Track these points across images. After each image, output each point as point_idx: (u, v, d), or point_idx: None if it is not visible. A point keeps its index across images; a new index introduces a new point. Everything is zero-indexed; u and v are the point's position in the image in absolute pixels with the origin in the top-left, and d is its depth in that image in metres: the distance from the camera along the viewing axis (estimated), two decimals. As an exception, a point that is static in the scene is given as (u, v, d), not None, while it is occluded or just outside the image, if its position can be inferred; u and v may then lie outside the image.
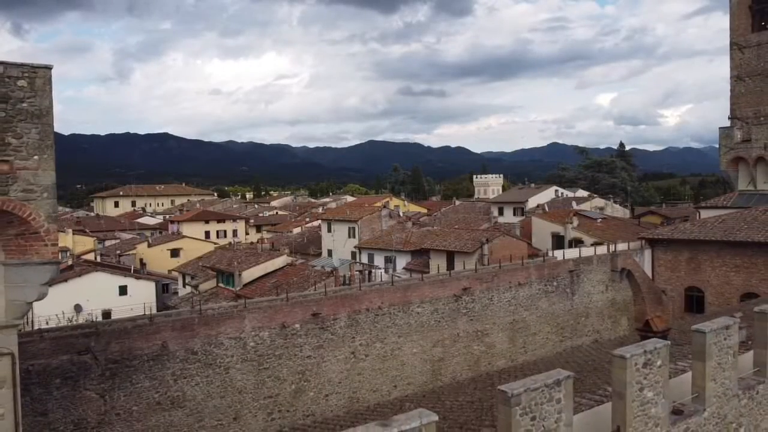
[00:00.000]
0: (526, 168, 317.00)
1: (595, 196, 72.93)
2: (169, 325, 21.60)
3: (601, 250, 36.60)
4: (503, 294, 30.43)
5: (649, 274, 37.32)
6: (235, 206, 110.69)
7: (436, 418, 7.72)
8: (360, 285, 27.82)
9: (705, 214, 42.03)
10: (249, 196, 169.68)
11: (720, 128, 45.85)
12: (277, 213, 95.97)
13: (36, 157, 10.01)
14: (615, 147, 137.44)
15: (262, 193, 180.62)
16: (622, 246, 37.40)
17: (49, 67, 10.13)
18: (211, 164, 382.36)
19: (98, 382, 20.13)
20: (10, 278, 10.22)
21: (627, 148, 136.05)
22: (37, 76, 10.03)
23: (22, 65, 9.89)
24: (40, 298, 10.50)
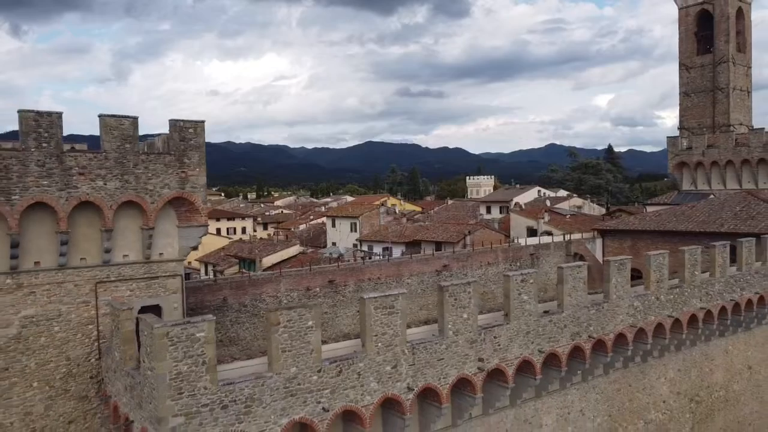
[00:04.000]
0: (524, 169, 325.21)
1: (574, 195, 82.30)
2: (228, 285, 30.88)
3: (560, 239, 45.99)
4: (475, 271, 39.68)
5: (600, 258, 46.68)
6: (241, 205, 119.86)
7: (405, 291, 17.03)
8: (364, 261, 37.14)
9: (651, 209, 51.43)
10: (251, 196, 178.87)
11: (668, 137, 55.27)
12: (282, 212, 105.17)
13: (197, 169, 19.33)
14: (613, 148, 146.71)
15: (264, 193, 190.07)
16: (577, 236, 46.78)
17: (203, 121, 19.44)
18: (209, 165, 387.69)
19: (181, 323, 29.36)
20: (181, 234, 19.53)
21: (625, 149, 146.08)
22: (198, 126, 19.35)
23: (191, 121, 19.21)
24: (196, 245, 19.83)
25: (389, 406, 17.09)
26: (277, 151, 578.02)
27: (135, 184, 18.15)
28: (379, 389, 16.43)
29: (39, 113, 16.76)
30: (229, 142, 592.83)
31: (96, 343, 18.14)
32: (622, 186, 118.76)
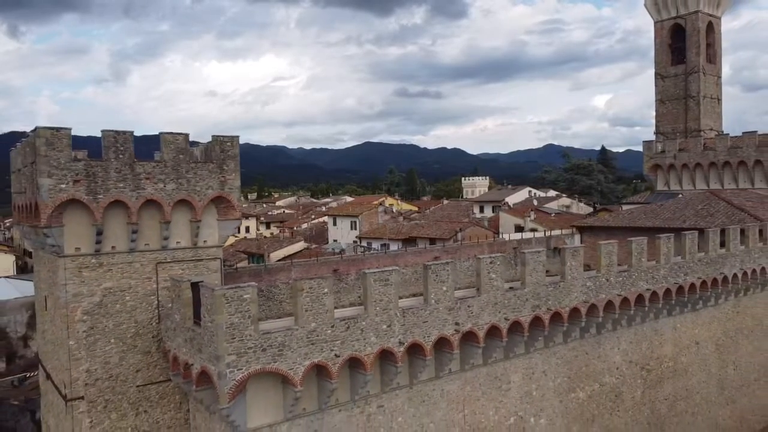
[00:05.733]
0: (522, 169, 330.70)
1: (563, 195, 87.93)
2: (248, 273, 36.30)
3: (543, 235, 51.48)
4: (464, 263, 45.06)
5: (578, 252, 52.14)
6: (244, 206, 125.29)
7: (397, 268, 22.47)
8: (364, 253, 42.64)
9: (626, 208, 56.99)
10: (251, 196, 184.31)
11: (644, 141, 60.83)
12: (284, 212, 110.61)
13: (233, 174, 24.79)
14: (611, 149, 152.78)
15: (265, 194, 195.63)
16: (558, 232, 52.30)
17: (237, 136, 24.92)
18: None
19: (207, 305, 34.76)
20: (221, 226, 24.98)
21: (623, 149, 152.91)
22: (233, 140, 24.82)
23: (229, 136, 24.68)
24: (232, 234, 25.28)
25: (385, 356, 22.51)
26: (276, 152, 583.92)
27: (186, 186, 23.61)
28: (377, 342, 21.87)
29: (117, 132, 22.24)
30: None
31: (156, 310, 23.59)
32: (613, 186, 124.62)
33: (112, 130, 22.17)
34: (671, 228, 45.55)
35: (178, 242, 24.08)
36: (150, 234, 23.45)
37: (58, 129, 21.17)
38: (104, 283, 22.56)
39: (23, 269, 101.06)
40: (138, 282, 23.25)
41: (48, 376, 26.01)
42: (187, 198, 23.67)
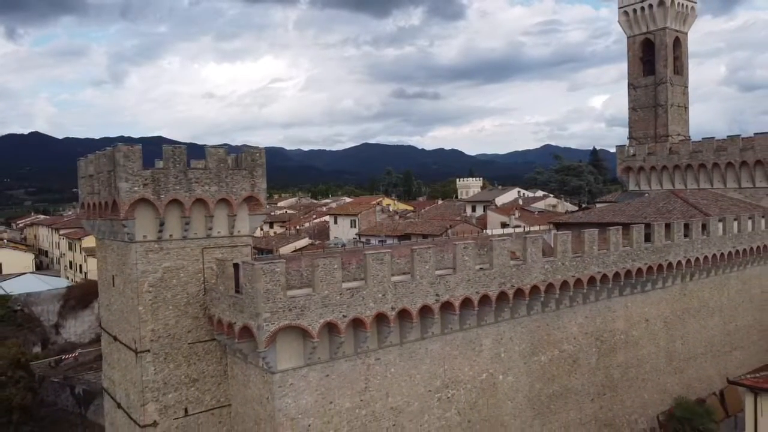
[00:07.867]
0: (519, 170, 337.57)
1: (550, 195, 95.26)
2: (263, 260, 43.46)
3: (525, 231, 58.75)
4: (450, 254, 52.29)
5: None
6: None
7: (390, 250, 29.69)
8: (363, 246, 49.91)
9: (599, 206, 64.28)
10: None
11: (617, 146, 68.19)
12: (286, 212, 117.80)
13: (261, 178, 32.02)
14: (608, 149, 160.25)
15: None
16: (536, 228, 59.57)
17: (264, 148, 32.18)
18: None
19: (232, 288, 41.92)
20: (251, 219, 32.21)
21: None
22: (261, 151, 32.10)
23: (257, 147, 31.95)
24: (259, 226, 32.48)
25: (381, 319, 29.69)
26: (274, 154, 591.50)
27: (226, 188, 30.86)
28: (374, 307, 29.07)
29: (174, 147, 29.50)
30: (225, 144, 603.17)
31: (203, 285, 30.81)
32: (602, 187, 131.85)
33: (171, 146, 29.48)
34: (633, 223, 52.89)
35: (218, 232, 31.30)
36: (198, 225, 30.66)
37: (132, 145, 28.44)
38: (164, 263, 29.77)
39: (39, 266, 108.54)
40: (189, 262, 30.47)
41: (115, 339, 33.23)
42: (226, 197, 30.91)
